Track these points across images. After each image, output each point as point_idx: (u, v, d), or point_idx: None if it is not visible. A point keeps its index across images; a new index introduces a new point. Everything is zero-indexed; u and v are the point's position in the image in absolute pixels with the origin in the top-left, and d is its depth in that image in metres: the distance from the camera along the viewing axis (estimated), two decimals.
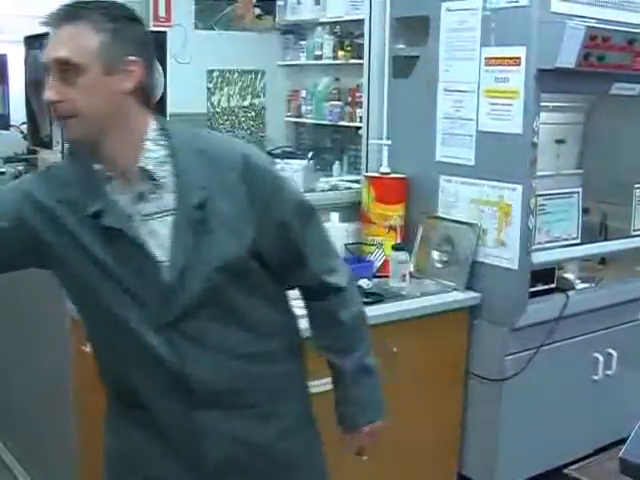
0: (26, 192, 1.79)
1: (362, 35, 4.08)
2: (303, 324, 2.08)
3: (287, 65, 6.00)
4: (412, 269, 3.52)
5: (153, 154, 1.75)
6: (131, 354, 1.85)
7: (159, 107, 3.32)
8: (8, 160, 4.38)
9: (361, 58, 4.05)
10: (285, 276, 1.92)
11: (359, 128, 4.61)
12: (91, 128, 1.70)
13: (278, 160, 4.87)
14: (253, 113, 5.52)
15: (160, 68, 3.30)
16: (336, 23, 5.62)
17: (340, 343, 2.03)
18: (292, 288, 2.00)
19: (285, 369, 1.98)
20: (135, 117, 1.75)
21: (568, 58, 3.05)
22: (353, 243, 3.62)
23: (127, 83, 1.71)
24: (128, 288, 1.76)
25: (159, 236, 1.76)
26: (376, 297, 3.24)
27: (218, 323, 1.81)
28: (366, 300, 3.19)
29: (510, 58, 3.17)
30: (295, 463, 2.03)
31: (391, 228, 3.51)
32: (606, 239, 3.88)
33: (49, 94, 1.69)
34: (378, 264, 3.53)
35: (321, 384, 3.09)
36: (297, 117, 6.00)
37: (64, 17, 1.68)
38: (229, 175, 1.76)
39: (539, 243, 3.37)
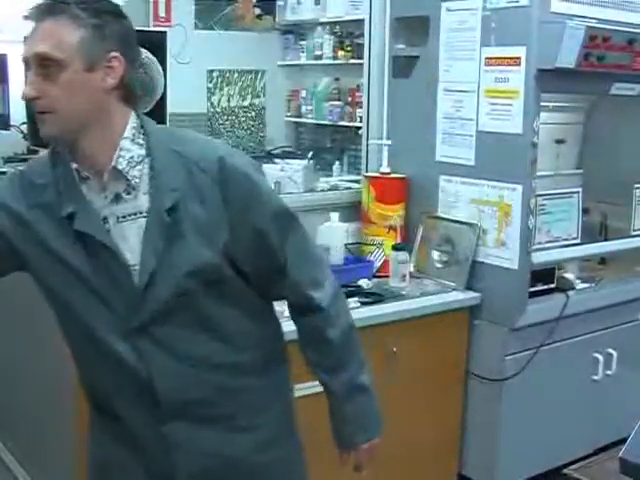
0: (5, 201, 1.74)
1: (362, 35, 4.08)
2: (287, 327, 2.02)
3: (287, 65, 6.00)
4: (412, 269, 3.52)
5: (128, 153, 1.70)
6: (101, 362, 1.80)
7: (159, 107, 3.33)
8: (8, 160, 4.38)
9: (361, 58, 4.05)
10: (266, 287, 1.85)
11: (359, 128, 4.61)
12: (69, 125, 1.65)
13: (278, 160, 4.87)
14: (253, 113, 5.51)
15: (160, 68, 3.30)
16: (336, 23, 5.62)
17: (329, 361, 1.97)
18: (277, 300, 1.94)
19: (263, 381, 1.90)
20: (115, 114, 1.70)
21: (568, 58, 3.05)
22: (353, 243, 3.63)
23: (109, 79, 1.66)
24: (99, 293, 1.72)
25: (130, 239, 1.71)
26: (376, 297, 3.24)
27: (188, 331, 1.75)
28: (366, 300, 3.20)
29: (510, 58, 3.17)
30: (274, 475, 1.96)
31: (391, 228, 3.51)
32: (606, 239, 3.88)
33: (28, 90, 1.66)
34: (378, 264, 3.53)
35: (316, 385, 3.10)
36: (297, 117, 6.00)
37: (45, 11, 1.66)
38: (203, 178, 1.70)
39: (539, 243, 3.37)
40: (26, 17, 1.71)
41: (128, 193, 1.71)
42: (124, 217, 1.70)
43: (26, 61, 1.69)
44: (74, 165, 1.72)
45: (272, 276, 1.83)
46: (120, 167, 1.68)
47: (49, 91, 1.63)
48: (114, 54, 1.66)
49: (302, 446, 2.12)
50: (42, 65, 1.63)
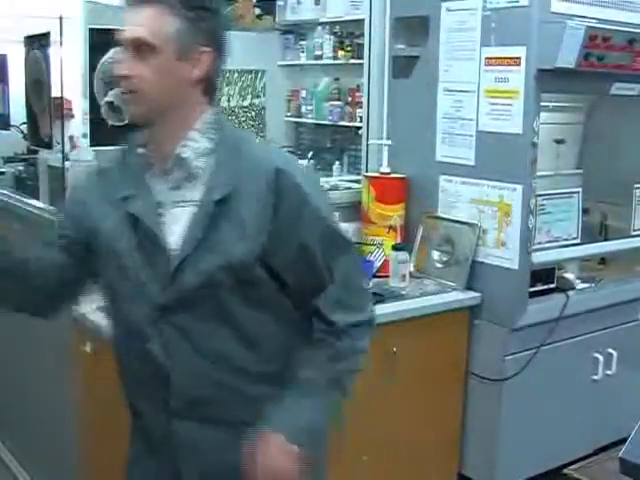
0: (76, 196, 1.95)
1: (362, 35, 4.08)
2: None
3: (287, 65, 6.00)
4: (412, 269, 3.52)
5: (195, 144, 1.77)
6: (132, 351, 1.85)
7: None
8: (8, 160, 4.38)
9: (361, 58, 4.05)
10: (304, 300, 1.84)
11: (359, 128, 4.61)
12: (151, 106, 1.74)
13: None
14: (253, 113, 5.49)
15: None
16: (336, 23, 5.62)
17: (315, 359, 1.85)
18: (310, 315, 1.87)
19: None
20: (193, 105, 1.79)
21: (568, 58, 3.05)
22: None
23: (195, 71, 1.76)
24: (137, 274, 1.78)
25: (179, 225, 1.76)
26: (376, 297, 3.23)
27: (211, 324, 1.77)
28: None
29: (510, 58, 3.17)
30: None
31: (391, 228, 3.51)
32: (606, 239, 3.88)
33: (121, 68, 1.74)
34: (378, 264, 3.53)
35: None
36: (297, 117, 6.00)
37: None
38: (258, 182, 1.74)
39: (539, 243, 3.37)
40: (126, 2, 1.78)
41: (189, 182, 1.77)
42: (178, 203, 1.77)
43: (122, 42, 1.76)
44: (141, 150, 1.82)
45: (313, 292, 1.83)
46: (184, 155, 1.76)
47: (139, 71, 1.72)
48: (205, 49, 1.75)
49: (318, 460, 2.00)
50: (137, 48, 1.71)
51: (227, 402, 1.82)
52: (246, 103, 5.46)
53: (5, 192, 3.80)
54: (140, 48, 1.71)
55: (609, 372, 3.71)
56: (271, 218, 1.74)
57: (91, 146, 3.23)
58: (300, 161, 4.72)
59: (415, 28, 3.63)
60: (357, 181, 4.08)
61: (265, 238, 1.74)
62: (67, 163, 3.18)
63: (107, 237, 1.80)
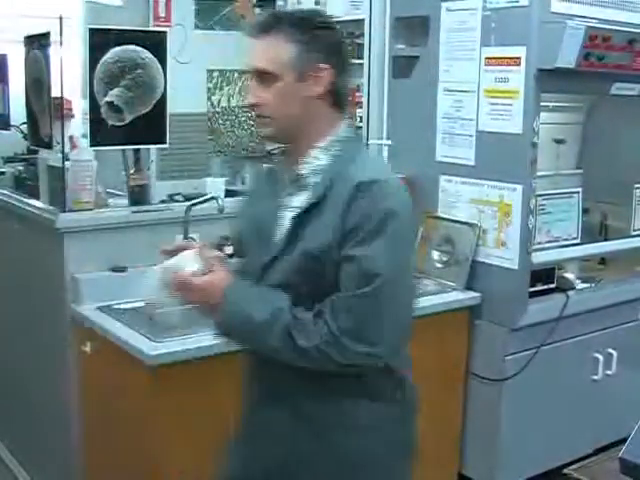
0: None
1: (362, 35, 4.08)
2: None
3: None
4: None
5: (315, 161, 1.93)
6: None
7: (160, 107, 3.33)
8: (8, 160, 4.38)
9: (361, 58, 4.04)
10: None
11: (359, 128, 4.61)
12: (282, 127, 1.91)
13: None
14: (253, 113, 5.51)
15: (160, 68, 3.30)
16: (336, 23, 5.62)
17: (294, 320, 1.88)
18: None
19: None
20: (324, 119, 1.93)
21: (568, 58, 3.05)
22: None
23: (317, 88, 1.88)
24: (248, 261, 2.06)
25: (284, 224, 1.94)
26: None
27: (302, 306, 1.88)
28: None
29: (510, 58, 3.17)
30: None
31: None
32: (606, 239, 3.88)
33: (249, 96, 1.95)
34: None
35: None
36: None
37: (261, 29, 1.89)
38: (344, 193, 1.83)
39: (539, 243, 3.37)
40: (247, 34, 1.94)
41: (300, 191, 1.94)
42: (288, 208, 1.95)
43: (249, 71, 1.95)
44: (275, 160, 2.08)
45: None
46: (301, 172, 1.94)
47: (265, 98, 1.89)
48: (322, 65, 1.88)
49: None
50: (259, 77, 1.89)
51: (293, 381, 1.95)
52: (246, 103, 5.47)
53: (5, 192, 3.80)
54: (262, 76, 1.88)
55: (609, 372, 3.71)
56: (340, 226, 1.83)
57: (91, 146, 3.23)
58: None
59: (415, 28, 3.63)
60: None
61: (333, 241, 1.84)
62: (67, 163, 3.18)
63: (239, 230, 2.17)
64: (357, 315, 1.81)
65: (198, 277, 1.94)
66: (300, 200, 1.92)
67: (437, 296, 3.34)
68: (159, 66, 3.32)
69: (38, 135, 3.48)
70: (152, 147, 3.71)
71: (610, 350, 3.70)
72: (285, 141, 1.97)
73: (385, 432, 1.99)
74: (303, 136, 1.92)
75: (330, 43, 1.91)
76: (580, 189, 3.59)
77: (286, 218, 1.93)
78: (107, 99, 3.20)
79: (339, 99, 1.94)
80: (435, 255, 3.52)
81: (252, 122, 5.46)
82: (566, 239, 3.50)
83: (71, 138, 3.47)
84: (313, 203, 1.88)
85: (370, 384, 1.95)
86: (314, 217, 1.87)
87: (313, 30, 1.88)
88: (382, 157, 1.96)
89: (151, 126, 3.35)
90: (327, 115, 1.93)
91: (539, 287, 3.42)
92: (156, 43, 3.33)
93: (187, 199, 3.51)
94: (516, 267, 3.24)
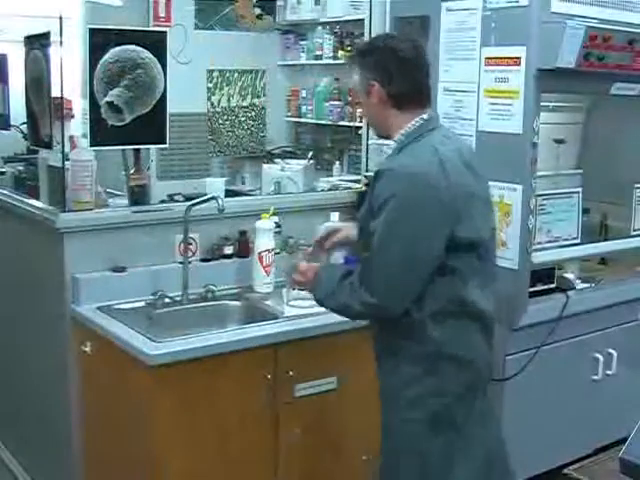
0: None
1: (362, 35, 4.08)
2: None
3: (287, 65, 5.99)
4: None
5: (389, 150, 2.61)
6: None
7: (160, 107, 3.33)
8: (8, 160, 4.38)
9: None
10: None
11: (359, 128, 4.60)
12: (376, 128, 2.66)
13: (278, 160, 4.88)
14: (253, 113, 5.49)
15: (160, 68, 3.31)
16: (336, 23, 5.60)
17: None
18: None
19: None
20: (393, 119, 2.51)
21: (568, 58, 3.05)
22: None
23: (374, 99, 2.51)
24: None
25: None
26: None
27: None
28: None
29: (510, 58, 3.17)
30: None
31: None
32: (606, 239, 3.88)
33: (360, 111, 2.71)
34: None
35: (316, 385, 3.10)
36: (297, 117, 5.99)
37: (348, 63, 2.89)
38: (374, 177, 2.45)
39: (539, 243, 3.37)
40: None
41: None
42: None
43: None
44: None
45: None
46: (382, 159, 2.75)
47: (362, 111, 2.84)
48: (371, 82, 2.50)
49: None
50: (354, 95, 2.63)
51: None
52: (246, 103, 5.46)
53: (5, 192, 3.80)
54: (355, 95, 2.62)
55: (609, 372, 3.70)
56: (368, 204, 2.45)
57: (91, 146, 3.23)
58: (300, 161, 4.73)
59: (415, 28, 3.62)
60: (357, 181, 4.08)
61: (367, 215, 2.45)
62: (67, 163, 3.19)
63: None
64: (362, 273, 2.42)
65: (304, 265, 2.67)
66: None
67: None
68: (159, 66, 3.32)
69: (38, 135, 3.49)
70: (152, 147, 3.72)
71: (610, 350, 3.70)
72: (383, 136, 2.63)
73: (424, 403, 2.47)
74: (386, 132, 2.56)
75: (375, 62, 2.49)
76: (580, 189, 3.59)
77: None
78: (107, 99, 3.20)
79: (396, 102, 2.49)
80: None
81: (251, 122, 5.48)
82: (566, 239, 3.50)
83: (71, 138, 3.47)
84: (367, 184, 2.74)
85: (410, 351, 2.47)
86: (367, 195, 2.52)
87: (363, 58, 2.53)
88: (426, 148, 2.40)
89: (151, 126, 3.35)
90: (394, 115, 2.51)
91: (539, 287, 3.41)
92: (156, 43, 3.33)
93: (187, 199, 3.51)
94: (516, 267, 3.24)
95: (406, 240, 2.33)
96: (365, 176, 3.83)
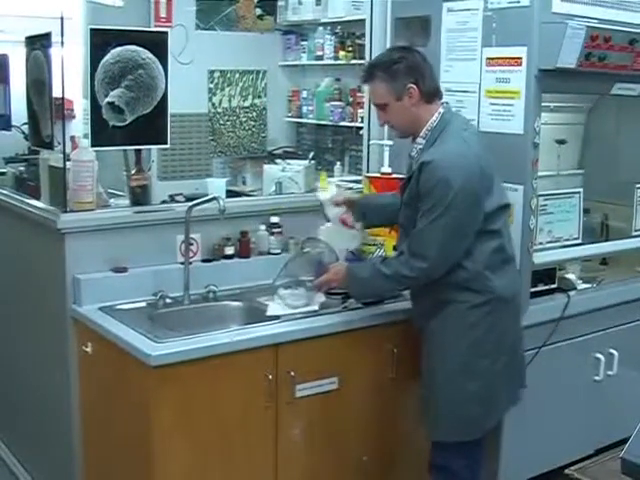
0: None
1: (363, 35, 4.08)
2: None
3: (288, 65, 5.99)
4: None
5: (418, 146, 2.94)
6: None
7: (161, 107, 3.33)
8: (9, 160, 4.38)
9: (362, 58, 4.05)
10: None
11: (360, 128, 4.61)
12: (403, 130, 2.99)
13: (279, 160, 4.88)
14: (254, 113, 5.50)
15: (161, 68, 3.31)
16: (337, 23, 5.60)
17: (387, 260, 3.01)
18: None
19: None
20: (424, 115, 2.90)
21: (569, 58, 3.05)
22: None
23: (412, 100, 2.88)
24: None
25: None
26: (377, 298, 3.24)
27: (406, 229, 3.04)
28: (367, 300, 3.20)
29: (511, 58, 3.17)
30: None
31: (392, 228, 3.50)
32: (607, 239, 3.88)
33: (378, 119, 3.04)
34: None
35: (317, 385, 3.10)
36: (298, 117, 5.98)
37: (364, 79, 2.98)
38: (417, 169, 2.83)
39: (540, 243, 3.37)
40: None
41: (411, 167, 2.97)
42: (406, 178, 2.99)
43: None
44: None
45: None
46: (412, 154, 2.98)
47: (386, 117, 2.98)
48: (408, 85, 2.87)
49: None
50: (378, 106, 2.96)
51: None
52: (247, 103, 5.46)
53: (6, 192, 3.80)
54: (379, 106, 2.95)
55: (610, 372, 3.71)
56: (416, 190, 2.84)
57: (92, 146, 3.23)
58: (301, 162, 4.73)
59: (416, 28, 3.63)
60: (358, 181, 4.08)
61: (415, 197, 2.86)
62: (68, 163, 3.18)
63: None
64: (413, 244, 2.85)
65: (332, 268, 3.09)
66: (409, 173, 2.93)
67: None
68: (160, 66, 3.32)
69: (39, 135, 3.48)
70: (153, 147, 3.72)
71: (611, 350, 3.70)
72: (408, 135, 2.98)
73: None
74: (415, 130, 2.92)
75: (408, 67, 2.86)
76: (581, 189, 3.59)
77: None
78: (108, 99, 3.20)
79: (429, 96, 2.90)
80: None
81: (252, 123, 5.49)
82: (567, 239, 3.50)
83: (72, 138, 3.47)
84: (409, 176, 2.91)
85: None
86: (410, 183, 2.88)
87: (393, 66, 2.86)
88: (455, 137, 2.87)
89: (152, 126, 3.35)
90: (424, 110, 2.90)
91: (540, 287, 3.42)
92: (157, 43, 3.33)
93: (188, 199, 3.51)
94: (517, 267, 3.23)
95: (455, 216, 2.76)
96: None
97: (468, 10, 3.33)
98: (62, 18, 3.10)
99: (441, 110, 2.91)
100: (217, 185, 3.74)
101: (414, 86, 2.85)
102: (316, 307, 3.13)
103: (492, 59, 3.26)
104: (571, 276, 3.60)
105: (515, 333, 3.06)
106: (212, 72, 5.22)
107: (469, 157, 2.81)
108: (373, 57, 3.80)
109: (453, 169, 2.76)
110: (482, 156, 2.86)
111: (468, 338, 2.90)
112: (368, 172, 3.83)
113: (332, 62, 5.66)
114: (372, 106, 3.09)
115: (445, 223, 2.77)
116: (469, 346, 2.90)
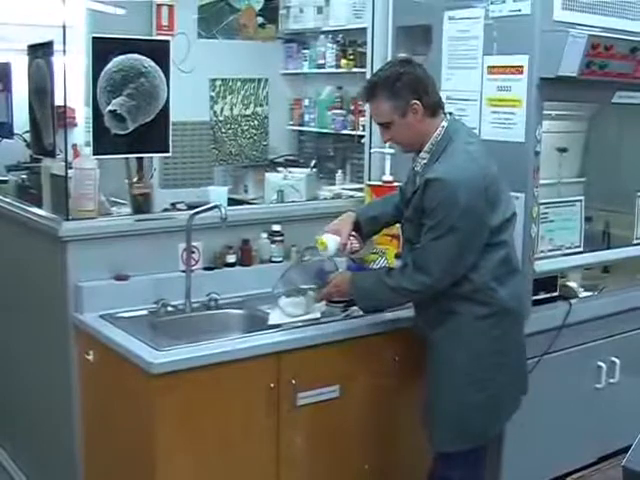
0: None
1: (365, 44, 4.09)
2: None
3: (290, 74, 6.00)
4: None
5: (422, 161, 2.91)
6: None
7: (162, 115, 3.34)
8: (11, 168, 4.39)
9: (364, 67, 4.05)
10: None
11: (362, 137, 4.61)
12: (406, 145, 2.96)
13: (281, 169, 4.88)
14: (256, 122, 5.51)
15: (163, 76, 3.31)
16: (339, 32, 5.61)
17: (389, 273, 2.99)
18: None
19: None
20: (428, 129, 2.87)
21: (570, 67, 3.06)
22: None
23: (416, 116, 2.83)
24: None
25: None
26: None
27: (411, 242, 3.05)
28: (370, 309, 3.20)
29: (512, 67, 3.18)
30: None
31: (394, 237, 3.51)
32: (609, 247, 3.88)
33: (382, 137, 3.01)
34: None
35: (318, 394, 3.10)
36: (300, 126, 5.99)
37: (365, 98, 2.93)
38: (422, 184, 2.81)
39: (542, 251, 3.37)
40: (360, 99, 3.06)
41: (416, 178, 2.94)
42: (410, 192, 2.98)
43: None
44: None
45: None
46: (416, 169, 2.95)
47: (390, 135, 2.92)
48: (412, 102, 2.81)
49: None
50: (381, 125, 2.92)
51: None
52: (249, 112, 5.47)
53: (8, 200, 3.80)
54: (382, 124, 2.90)
55: (612, 380, 3.70)
56: (420, 205, 2.83)
57: (94, 155, 3.23)
58: (303, 170, 4.73)
59: (417, 37, 3.63)
60: (359, 189, 4.09)
61: (419, 212, 2.85)
62: (70, 171, 3.19)
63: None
64: (417, 259, 2.83)
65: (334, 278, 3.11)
66: (413, 187, 2.93)
67: None
68: (162, 75, 3.32)
69: (41, 143, 3.49)
70: (155, 156, 3.72)
71: (613, 358, 3.70)
72: (412, 150, 2.95)
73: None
74: (419, 145, 2.90)
75: (410, 83, 2.80)
76: (583, 197, 3.59)
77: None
78: (110, 108, 3.21)
79: (432, 110, 2.85)
80: None
81: (254, 131, 5.49)
82: (569, 247, 3.50)
83: (74, 146, 3.48)
84: (414, 190, 2.89)
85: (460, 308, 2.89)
86: (415, 198, 2.87)
87: (395, 84, 2.80)
88: (460, 151, 2.84)
89: (154, 135, 3.36)
90: (428, 124, 2.86)
91: (542, 295, 3.42)
92: (159, 52, 3.34)
93: (190, 207, 3.51)
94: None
95: (459, 234, 2.75)
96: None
97: (469, 19, 3.33)
98: (64, 26, 3.11)
99: (444, 124, 2.87)
100: (219, 193, 3.74)
101: (418, 102, 2.80)
102: (318, 315, 3.13)
103: (493, 67, 3.26)
104: (573, 284, 3.60)
105: (519, 343, 3.05)
106: (214, 80, 5.23)
107: (475, 173, 2.78)
108: (374, 67, 3.82)
109: (459, 187, 2.72)
110: (488, 170, 2.84)
111: (473, 350, 2.88)
112: (369, 180, 3.83)
113: (334, 70, 5.68)
114: (374, 122, 3.04)
115: (450, 241, 2.76)
116: (474, 357, 2.88)
